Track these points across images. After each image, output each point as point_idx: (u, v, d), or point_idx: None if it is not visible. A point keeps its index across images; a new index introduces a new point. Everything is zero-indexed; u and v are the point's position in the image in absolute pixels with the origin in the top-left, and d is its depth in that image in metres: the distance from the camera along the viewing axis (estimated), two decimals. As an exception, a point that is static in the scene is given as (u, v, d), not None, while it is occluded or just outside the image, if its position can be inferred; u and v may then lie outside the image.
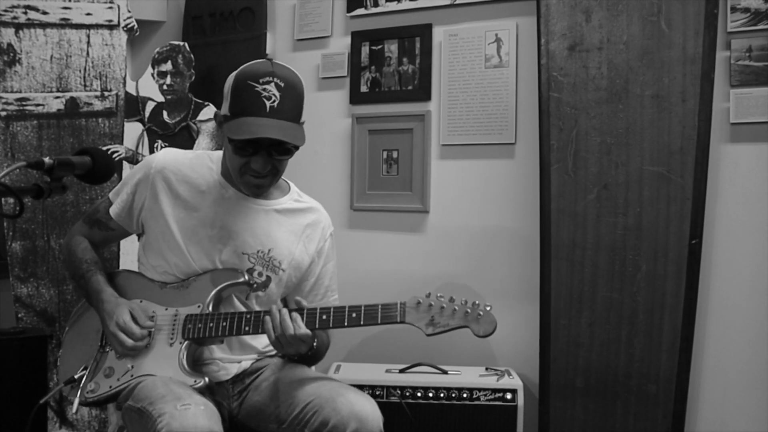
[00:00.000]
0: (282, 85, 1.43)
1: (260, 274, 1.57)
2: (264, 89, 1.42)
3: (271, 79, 1.42)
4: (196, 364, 1.54)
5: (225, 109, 1.48)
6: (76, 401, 1.52)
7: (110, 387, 1.50)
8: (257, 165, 1.46)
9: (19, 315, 2.53)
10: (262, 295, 1.59)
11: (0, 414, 2.30)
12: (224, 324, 1.48)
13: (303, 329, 1.39)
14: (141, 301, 1.57)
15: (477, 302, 1.40)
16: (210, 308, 1.51)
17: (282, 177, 1.62)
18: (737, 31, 2.07)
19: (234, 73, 1.47)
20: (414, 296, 1.42)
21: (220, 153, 1.61)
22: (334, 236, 1.72)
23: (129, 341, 1.48)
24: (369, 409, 1.38)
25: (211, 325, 1.48)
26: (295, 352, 1.44)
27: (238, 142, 1.44)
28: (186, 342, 1.49)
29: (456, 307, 1.39)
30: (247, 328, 1.47)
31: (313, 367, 1.85)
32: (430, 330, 1.39)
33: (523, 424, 2.07)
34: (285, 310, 1.42)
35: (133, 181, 1.60)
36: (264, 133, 1.40)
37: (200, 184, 1.58)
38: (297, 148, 1.49)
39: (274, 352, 1.67)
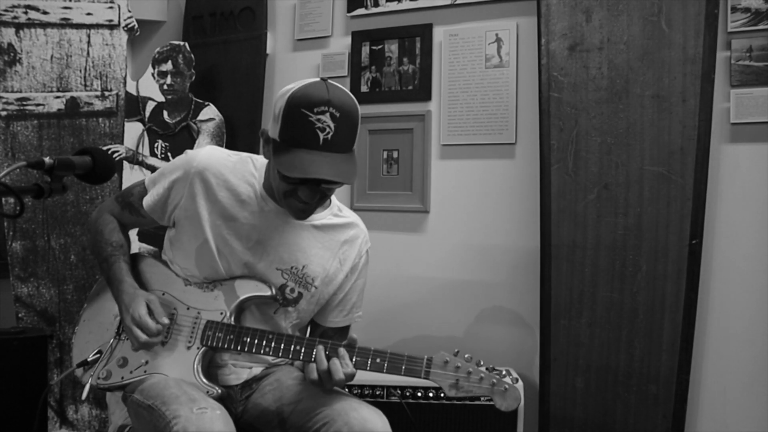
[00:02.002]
0: (337, 115, 1.33)
1: (292, 290, 1.54)
2: (318, 119, 1.32)
3: (326, 108, 1.32)
4: (209, 366, 1.53)
5: (274, 133, 1.38)
6: (87, 386, 1.51)
7: (122, 378, 1.49)
8: (304, 195, 1.40)
9: (20, 315, 2.53)
10: (291, 311, 1.56)
11: (0, 413, 2.30)
12: (245, 339, 1.46)
13: (351, 368, 1.40)
14: (163, 294, 1.55)
15: (504, 373, 1.38)
16: (232, 318, 1.49)
17: None
18: (738, 31, 2.07)
19: (287, 95, 1.35)
20: (442, 353, 1.39)
21: (264, 161, 1.54)
22: (369, 253, 1.68)
23: (143, 336, 1.45)
24: (380, 427, 1.36)
25: (231, 337, 1.47)
26: (331, 387, 1.43)
27: (286, 176, 1.37)
28: (203, 348, 1.48)
29: (483, 375, 1.36)
30: (267, 350, 1.45)
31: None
32: (453, 392, 1.37)
33: (523, 425, 2.07)
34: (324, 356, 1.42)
35: (171, 177, 1.53)
36: (316, 173, 1.32)
37: (241, 193, 1.52)
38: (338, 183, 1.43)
39: (284, 362, 1.66)
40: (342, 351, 1.41)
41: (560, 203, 2.14)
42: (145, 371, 1.48)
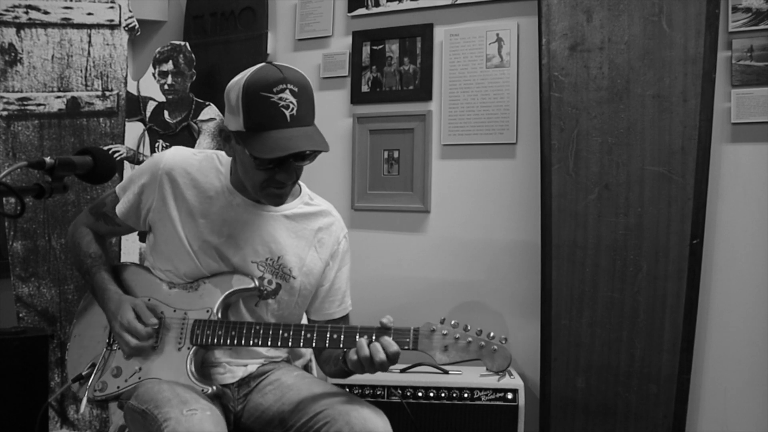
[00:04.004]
0: (296, 90, 1.35)
1: (270, 282, 1.54)
2: (280, 98, 1.34)
3: (284, 86, 1.34)
4: (203, 366, 1.53)
5: (238, 125, 1.37)
6: (84, 400, 1.51)
7: (117, 387, 1.49)
8: (283, 177, 1.41)
9: (20, 315, 2.53)
10: (272, 303, 1.56)
11: (1, 413, 2.30)
12: (233, 333, 1.46)
13: (394, 347, 1.35)
14: (149, 299, 1.55)
15: (492, 335, 1.36)
16: (219, 314, 1.50)
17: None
18: (738, 31, 2.07)
19: (240, 85, 1.36)
20: (428, 323, 1.38)
21: (228, 157, 1.54)
22: (348, 238, 1.67)
23: (133, 341, 1.46)
24: (381, 427, 1.36)
25: (220, 333, 1.47)
26: (374, 371, 1.39)
27: (266, 159, 1.36)
28: (194, 348, 1.48)
29: (470, 339, 1.35)
30: (256, 340, 1.45)
31: (312, 358, 1.84)
32: (442, 360, 1.36)
33: (524, 424, 2.07)
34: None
35: (140, 182, 1.55)
36: (296, 147, 1.33)
37: (208, 189, 1.53)
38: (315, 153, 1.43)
39: (280, 359, 1.66)
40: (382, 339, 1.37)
41: (561, 203, 2.14)
42: (139, 378, 1.48)
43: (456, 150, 2.48)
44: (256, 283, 1.52)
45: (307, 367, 1.82)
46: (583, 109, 2.12)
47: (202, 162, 1.56)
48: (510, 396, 2.07)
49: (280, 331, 1.44)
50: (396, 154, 2.57)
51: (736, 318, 2.09)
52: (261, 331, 1.45)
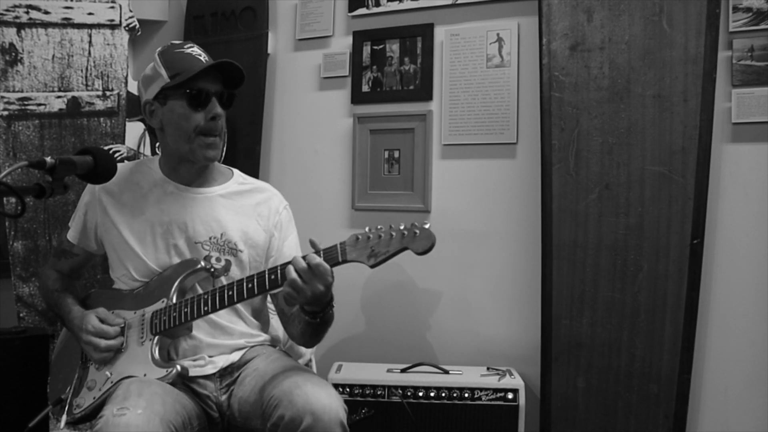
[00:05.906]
0: (202, 51, 1.60)
1: (218, 260, 1.58)
2: (191, 51, 1.57)
3: (192, 45, 1.59)
4: (184, 360, 1.54)
5: (162, 81, 1.53)
6: (63, 419, 1.54)
7: (94, 398, 1.51)
8: (214, 110, 1.53)
9: (21, 314, 2.53)
10: (225, 281, 1.57)
11: (1, 413, 2.30)
12: (186, 310, 1.49)
13: (316, 259, 1.35)
14: (112, 312, 1.59)
15: (415, 223, 1.35)
16: (174, 301, 1.53)
17: (228, 166, 1.71)
18: (739, 31, 2.07)
19: (155, 56, 1.57)
20: (352, 234, 1.38)
21: (157, 156, 1.66)
22: (289, 210, 1.72)
23: (103, 342, 1.51)
24: (326, 401, 1.31)
25: (175, 314, 1.50)
26: (318, 282, 1.37)
27: (193, 90, 1.51)
28: (156, 337, 1.51)
29: (393, 233, 1.34)
30: (206, 308, 1.48)
31: (312, 358, 1.84)
32: (372, 261, 1.35)
33: (524, 424, 2.07)
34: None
35: (82, 203, 1.66)
36: (214, 61, 1.53)
37: (142, 186, 1.62)
38: (234, 96, 1.61)
39: (262, 339, 1.66)
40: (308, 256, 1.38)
41: (561, 203, 2.14)
42: (111, 382, 1.50)
43: (456, 150, 2.48)
44: (203, 263, 1.55)
45: (307, 366, 1.81)
46: (583, 108, 2.12)
47: (132, 167, 1.67)
48: (510, 396, 2.07)
49: (225, 290, 1.47)
50: (396, 154, 2.57)
51: (736, 318, 2.09)
52: (209, 298, 1.48)
